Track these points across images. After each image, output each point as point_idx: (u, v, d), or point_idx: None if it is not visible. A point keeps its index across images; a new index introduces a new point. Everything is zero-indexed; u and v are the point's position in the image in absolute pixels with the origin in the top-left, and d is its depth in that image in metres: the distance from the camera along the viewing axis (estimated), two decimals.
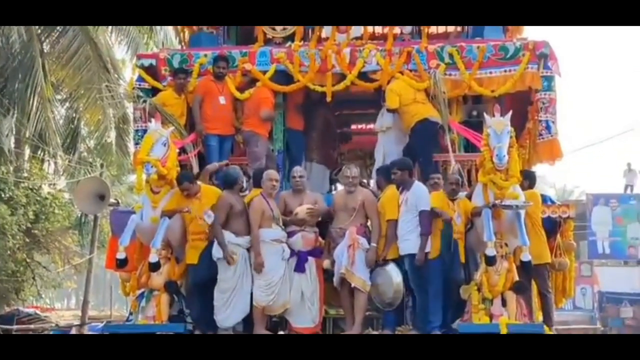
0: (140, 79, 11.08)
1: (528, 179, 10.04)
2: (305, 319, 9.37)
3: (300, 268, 9.42)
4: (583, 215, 32.12)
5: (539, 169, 11.74)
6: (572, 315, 30.57)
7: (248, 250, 9.33)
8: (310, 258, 9.49)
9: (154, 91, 10.96)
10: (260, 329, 9.21)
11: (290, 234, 9.47)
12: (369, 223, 9.52)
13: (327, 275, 9.57)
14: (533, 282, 9.78)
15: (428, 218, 9.05)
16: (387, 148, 10.61)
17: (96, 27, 19.06)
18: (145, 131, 10.00)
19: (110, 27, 19.67)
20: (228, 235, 9.25)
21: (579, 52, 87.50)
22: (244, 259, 9.28)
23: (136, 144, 10.78)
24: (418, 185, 9.36)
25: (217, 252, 9.19)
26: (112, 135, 20.36)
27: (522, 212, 8.92)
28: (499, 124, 8.90)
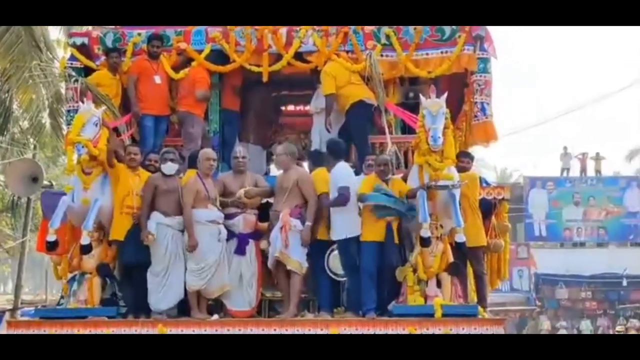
0: (73, 57, 10.88)
1: (466, 159, 10.08)
2: (243, 301, 9.28)
3: (240, 250, 9.33)
4: (520, 197, 32.58)
5: (479, 150, 11.81)
6: (510, 297, 31.03)
7: (183, 232, 9.20)
8: (250, 240, 9.41)
9: (87, 70, 10.76)
10: (197, 313, 9.08)
11: (230, 216, 9.35)
12: None
13: (265, 258, 9.50)
14: (468, 264, 9.83)
15: (345, 192, 8.97)
16: (323, 129, 10.55)
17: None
18: (77, 111, 9.78)
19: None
20: (157, 216, 9.10)
21: (519, 32, 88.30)
22: (175, 241, 9.14)
23: (68, 124, 10.58)
24: (339, 166, 9.26)
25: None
26: (45, 116, 19.96)
27: (457, 194, 8.94)
28: (434, 106, 8.89)
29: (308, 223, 9.15)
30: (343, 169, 9.22)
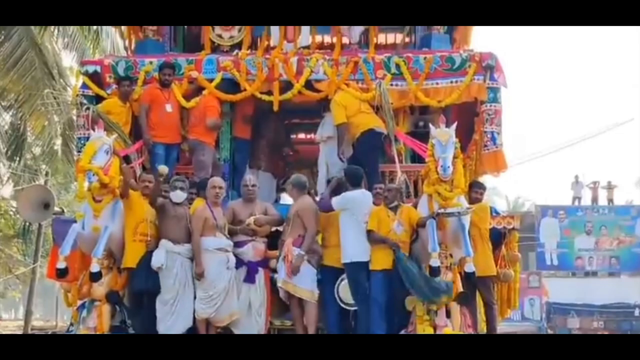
0: (85, 85, 10.94)
1: (479, 190, 10.09)
2: (251, 330, 9.25)
3: (250, 279, 9.34)
4: (532, 226, 32.46)
5: (490, 180, 11.79)
6: (521, 326, 30.81)
7: (192, 259, 9.21)
8: (260, 269, 9.42)
9: (98, 98, 10.83)
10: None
11: (240, 244, 9.37)
12: None
13: (274, 286, 9.49)
14: (478, 294, 9.79)
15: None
16: (330, 158, 10.59)
17: (41, 32, 18.77)
18: (88, 139, 9.83)
19: (55, 33, 19.38)
20: (165, 243, 9.13)
21: (526, 62, 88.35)
22: (184, 268, 9.16)
23: (79, 151, 10.59)
24: (359, 194, 9.30)
25: (156, 260, 9.05)
26: (58, 143, 20.04)
27: (466, 224, 8.90)
28: (443, 135, 8.89)
29: (301, 252, 9.14)
30: (362, 195, 9.24)
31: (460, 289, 8.98)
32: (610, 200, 35.61)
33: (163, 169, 9.48)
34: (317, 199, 9.57)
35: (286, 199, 12.73)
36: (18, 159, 20.56)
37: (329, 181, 10.17)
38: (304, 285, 9.12)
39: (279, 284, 9.15)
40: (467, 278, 8.95)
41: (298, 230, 9.27)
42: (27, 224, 21.26)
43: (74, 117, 12.44)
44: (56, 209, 16.54)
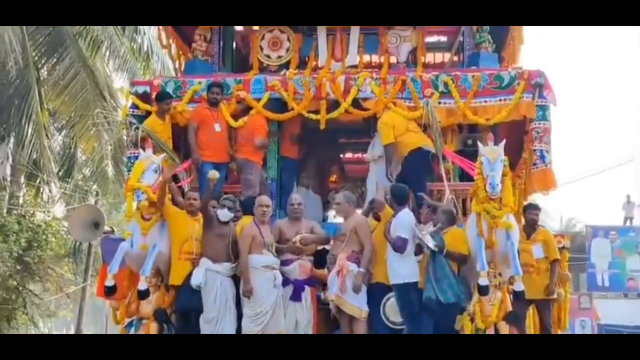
0: (134, 105, 11.05)
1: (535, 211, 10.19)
2: None
3: (296, 297, 9.32)
4: (583, 247, 32.05)
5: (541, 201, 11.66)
6: None
7: (235, 277, 9.22)
8: (306, 287, 9.40)
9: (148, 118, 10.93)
10: None
11: (286, 262, 9.37)
12: None
13: (320, 304, 9.47)
14: (533, 314, 9.71)
15: (402, 245, 8.87)
16: (379, 177, 10.54)
17: (93, 55, 19.08)
18: (137, 158, 9.92)
19: (107, 55, 19.70)
20: (205, 261, 9.16)
21: (577, 80, 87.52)
22: (224, 287, 9.16)
23: (129, 171, 10.68)
24: (402, 213, 9.15)
25: (195, 279, 9.08)
26: (109, 163, 20.30)
27: (516, 242, 8.81)
28: (492, 153, 8.82)
29: (361, 269, 9.09)
30: (406, 215, 9.16)
31: (510, 308, 8.87)
32: None
33: (214, 173, 9.51)
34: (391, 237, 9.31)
35: (332, 217, 12.76)
36: (69, 179, 20.84)
37: (371, 201, 10.01)
38: (354, 301, 9.06)
39: (332, 298, 9.09)
40: (516, 297, 8.84)
41: (353, 246, 9.21)
42: (78, 243, 21.51)
43: (124, 137, 12.57)
44: (106, 228, 16.72)
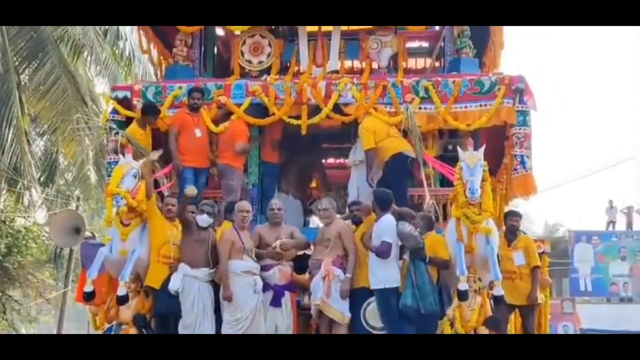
0: (115, 111, 11.03)
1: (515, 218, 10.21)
2: None
3: (276, 302, 9.28)
4: (565, 252, 32.15)
5: (523, 206, 11.69)
6: None
7: (214, 283, 9.19)
8: (286, 292, 9.36)
9: (128, 123, 10.89)
10: None
11: (266, 268, 9.33)
12: None
13: (301, 309, 9.45)
14: (517, 320, 9.74)
15: (386, 250, 8.84)
16: (361, 182, 10.53)
17: (74, 60, 19.00)
18: (117, 163, 9.88)
19: (88, 60, 19.61)
20: (183, 267, 9.12)
21: (558, 84, 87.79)
22: (202, 293, 9.10)
23: (109, 176, 10.64)
24: (384, 218, 9.09)
25: (173, 284, 9.04)
26: (90, 169, 20.21)
27: (495, 247, 8.84)
28: (471, 158, 8.83)
29: (348, 275, 9.08)
30: (388, 220, 9.14)
31: (489, 313, 8.88)
32: None
33: (191, 190, 9.49)
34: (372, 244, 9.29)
35: (314, 222, 12.75)
36: (51, 184, 20.73)
37: (352, 204, 10.02)
38: (338, 306, 9.04)
39: (317, 302, 9.06)
40: (496, 302, 8.85)
41: (337, 250, 9.21)
42: (59, 248, 21.42)
43: (105, 143, 12.53)
44: (87, 233, 16.69)
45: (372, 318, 9.09)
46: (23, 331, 24.47)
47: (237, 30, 11.78)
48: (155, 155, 9.87)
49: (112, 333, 9.25)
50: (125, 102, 11.04)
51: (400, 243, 8.88)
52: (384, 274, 8.92)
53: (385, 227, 8.97)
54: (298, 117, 10.83)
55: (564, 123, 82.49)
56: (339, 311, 9.04)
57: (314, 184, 13.41)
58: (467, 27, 11.24)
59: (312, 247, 9.64)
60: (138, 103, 10.93)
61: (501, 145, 10.90)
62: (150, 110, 10.68)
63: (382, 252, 8.83)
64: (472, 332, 8.78)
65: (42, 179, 20.36)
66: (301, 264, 9.58)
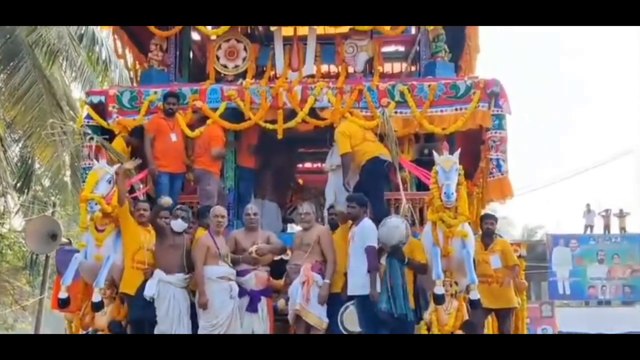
0: (89, 116, 10.97)
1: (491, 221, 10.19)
2: None
3: (252, 308, 9.26)
4: (543, 255, 32.26)
5: (502, 210, 11.69)
6: None
7: (189, 289, 9.14)
8: (262, 297, 9.34)
9: (103, 128, 10.84)
10: None
11: (242, 273, 9.30)
12: None
13: (277, 315, 9.41)
14: (494, 324, 9.73)
15: (374, 254, 8.84)
16: (338, 186, 10.51)
17: (50, 65, 18.86)
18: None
19: (64, 65, 19.45)
20: (158, 273, 9.06)
21: (535, 87, 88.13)
22: (177, 299, 9.06)
23: (84, 181, 10.59)
24: (366, 221, 9.07)
25: (148, 290, 8.99)
26: (67, 174, 20.06)
27: (472, 250, 8.84)
28: (447, 162, 8.84)
29: (326, 280, 9.08)
30: (369, 223, 9.06)
31: (466, 317, 8.88)
32: (623, 229, 35.36)
33: (167, 200, 9.44)
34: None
35: (293, 229, 12.70)
36: (27, 190, 20.57)
37: (330, 207, 10.05)
38: (316, 311, 9.02)
39: (296, 307, 9.02)
40: (473, 306, 8.84)
41: (316, 256, 9.21)
42: (35, 255, 21.25)
43: (81, 148, 12.45)
44: (64, 239, 16.58)
45: (350, 322, 9.08)
46: None
47: (213, 34, 11.75)
48: (131, 165, 9.81)
49: None
50: (100, 107, 10.98)
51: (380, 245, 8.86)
52: (363, 281, 8.89)
53: (369, 230, 8.95)
54: (274, 122, 10.80)
55: (543, 125, 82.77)
56: (317, 316, 9.03)
57: (291, 189, 13.37)
58: (442, 32, 11.25)
59: (288, 252, 9.62)
60: (113, 109, 10.86)
61: (477, 149, 10.93)
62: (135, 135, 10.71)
63: (371, 255, 8.79)
64: None
65: (17, 185, 20.20)
66: (278, 269, 9.55)
